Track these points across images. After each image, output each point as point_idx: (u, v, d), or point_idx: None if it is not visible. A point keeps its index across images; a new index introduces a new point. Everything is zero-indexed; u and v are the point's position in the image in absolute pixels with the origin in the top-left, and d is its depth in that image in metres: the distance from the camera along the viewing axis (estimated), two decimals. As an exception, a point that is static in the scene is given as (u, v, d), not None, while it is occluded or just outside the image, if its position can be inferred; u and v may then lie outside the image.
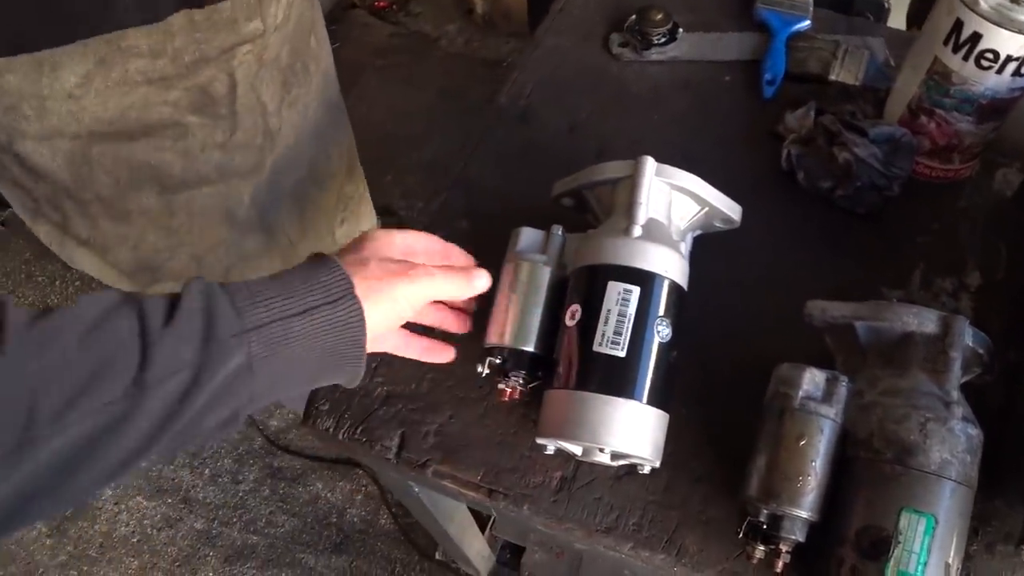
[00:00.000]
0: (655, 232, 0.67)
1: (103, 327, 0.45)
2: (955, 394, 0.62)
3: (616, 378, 0.62)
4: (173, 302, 0.48)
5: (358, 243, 0.63)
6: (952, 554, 0.59)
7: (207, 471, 1.92)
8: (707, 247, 0.77)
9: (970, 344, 0.64)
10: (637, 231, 0.66)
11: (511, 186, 0.89)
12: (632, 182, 0.68)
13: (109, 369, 0.44)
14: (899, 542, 0.57)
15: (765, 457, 0.62)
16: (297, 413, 1.94)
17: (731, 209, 0.73)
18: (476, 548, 1.41)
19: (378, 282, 0.57)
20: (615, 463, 0.66)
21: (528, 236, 0.73)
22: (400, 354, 0.69)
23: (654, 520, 0.69)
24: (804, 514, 0.60)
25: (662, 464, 0.66)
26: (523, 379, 0.68)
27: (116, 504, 1.89)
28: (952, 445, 0.59)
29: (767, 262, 0.83)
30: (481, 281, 0.66)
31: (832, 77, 0.97)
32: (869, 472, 0.60)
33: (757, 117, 0.96)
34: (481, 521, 1.56)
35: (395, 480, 0.85)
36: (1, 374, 0.41)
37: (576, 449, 0.66)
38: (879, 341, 0.66)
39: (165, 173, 0.88)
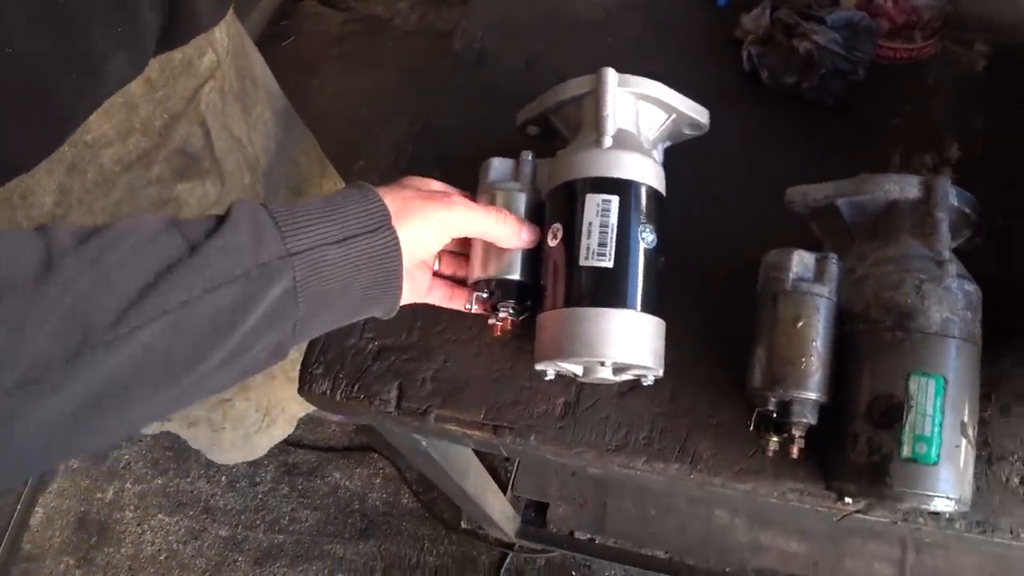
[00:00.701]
0: (627, 142, 0.66)
1: (154, 241, 0.45)
2: (947, 253, 0.61)
3: (606, 289, 0.62)
4: (220, 218, 0.48)
5: (397, 182, 0.62)
6: (967, 413, 0.58)
7: (223, 479, 1.91)
8: (682, 157, 0.75)
9: (955, 204, 0.63)
10: (608, 141, 0.65)
11: (476, 128, 0.87)
12: (596, 95, 0.67)
13: (163, 280, 0.44)
14: (911, 407, 0.56)
15: (765, 345, 0.61)
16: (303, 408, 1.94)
17: (698, 113, 0.72)
18: (499, 508, 1.41)
19: (414, 202, 0.57)
20: (617, 378, 0.65)
21: (499, 166, 0.72)
22: (423, 299, 0.68)
23: (664, 431, 0.68)
24: (812, 395, 0.59)
25: (665, 375, 0.65)
26: (513, 309, 0.67)
27: (139, 525, 1.88)
28: (951, 303, 0.58)
29: (743, 165, 0.82)
30: (526, 232, 0.66)
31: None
32: (871, 343, 0.59)
33: (713, 26, 0.94)
34: (501, 483, 1.56)
35: (401, 437, 0.84)
36: (52, 290, 0.40)
37: (577, 369, 0.65)
38: (864, 216, 0.65)
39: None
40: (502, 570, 1.68)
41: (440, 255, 0.70)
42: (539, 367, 0.66)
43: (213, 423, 1.18)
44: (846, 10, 0.83)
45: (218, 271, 0.45)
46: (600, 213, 0.62)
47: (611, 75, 0.67)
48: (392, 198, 0.55)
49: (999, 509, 0.65)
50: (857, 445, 0.58)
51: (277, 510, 1.86)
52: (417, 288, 0.65)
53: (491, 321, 0.68)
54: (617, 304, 0.61)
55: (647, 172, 0.65)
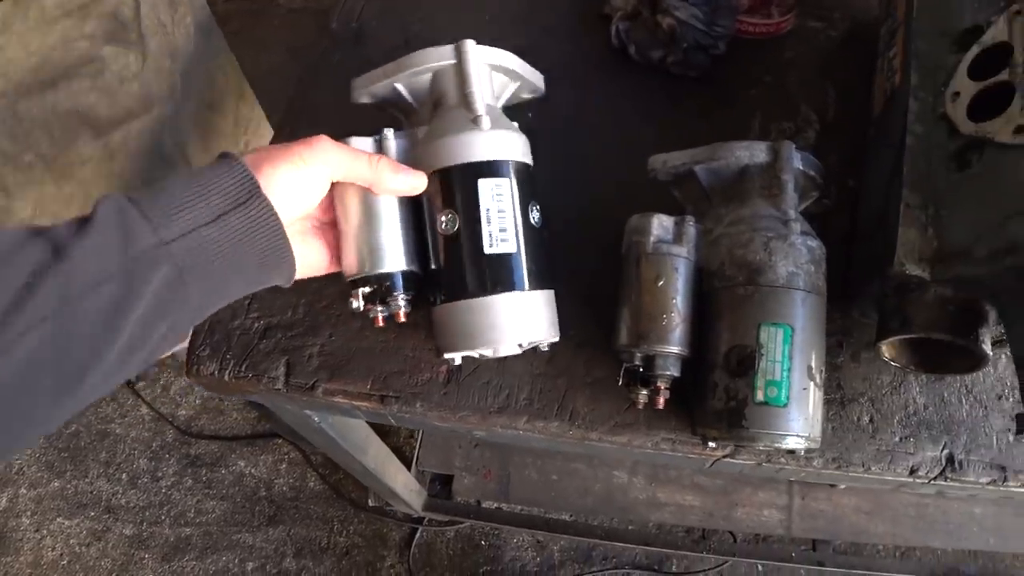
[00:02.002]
0: (498, 119, 0.65)
1: (19, 251, 0.44)
2: (792, 213, 0.65)
3: (513, 273, 0.62)
4: (84, 219, 0.47)
5: None
6: (813, 358, 0.63)
7: (124, 476, 1.86)
8: (553, 128, 0.78)
9: (800, 167, 0.68)
10: (487, 122, 0.63)
11: (354, 107, 0.88)
12: (461, 69, 0.65)
13: (35, 288, 0.43)
14: (762, 355, 0.61)
15: (629, 304, 0.65)
16: (203, 396, 1.91)
17: (537, 79, 0.73)
18: (403, 483, 1.43)
19: (275, 151, 0.55)
20: (521, 350, 0.67)
21: (357, 147, 0.64)
22: (332, 270, 0.66)
23: (543, 391, 0.71)
24: (674, 349, 0.63)
25: (542, 337, 0.68)
26: (405, 301, 0.64)
27: (37, 531, 1.82)
28: (795, 258, 0.63)
29: (612, 135, 0.85)
30: (412, 181, 0.62)
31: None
32: (726, 298, 0.64)
33: (584, 2, 0.97)
34: (405, 459, 1.58)
35: (294, 415, 0.85)
36: None
37: (487, 352, 0.65)
38: (719, 181, 0.69)
39: (93, 115, 0.87)
40: (413, 544, 1.71)
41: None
42: (448, 356, 0.65)
43: None
44: (706, -14, 0.88)
45: (92, 271, 0.45)
46: (495, 198, 0.61)
47: (472, 48, 0.65)
48: (254, 157, 0.54)
49: (852, 446, 0.71)
50: (716, 393, 0.63)
51: (182, 503, 1.83)
52: (314, 259, 0.63)
53: (373, 315, 0.64)
54: (525, 287, 0.62)
55: (524, 149, 0.65)
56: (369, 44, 0.95)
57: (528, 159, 0.65)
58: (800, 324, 0.62)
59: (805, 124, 0.89)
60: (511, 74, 0.70)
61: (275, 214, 0.53)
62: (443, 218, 0.62)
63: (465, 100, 0.64)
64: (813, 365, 0.63)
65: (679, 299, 0.64)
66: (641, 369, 0.65)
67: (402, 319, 0.64)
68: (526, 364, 0.72)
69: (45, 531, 1.82)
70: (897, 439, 0.71)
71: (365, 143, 0.65)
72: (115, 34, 0.84)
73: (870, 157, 0.80)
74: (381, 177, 0.60)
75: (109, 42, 0.83)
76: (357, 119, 0.80)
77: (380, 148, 0.65)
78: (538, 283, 0.63)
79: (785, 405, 0.61)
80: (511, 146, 0.64)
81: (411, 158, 0.65)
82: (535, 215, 0.64)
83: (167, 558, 1.77)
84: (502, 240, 0.61)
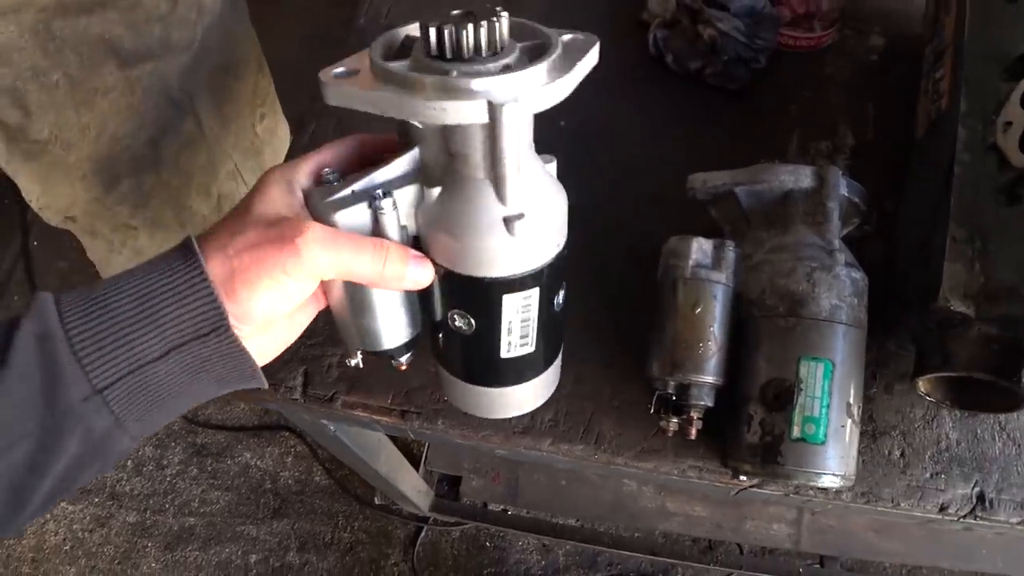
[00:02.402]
0: (533, 198, 0.47)
1: None
2: (837, 242, 0.63)
3: (530, 369, 0.56)
4: (2, 351, 0.39)
5: (242, 202, 0.47)
6: (852, 394, 0.61)
7: (129, 463, 1.85)
8: (586, 139, 0.76)
9: (845, 194, 0.66)
10: (521, 227, 0.46)
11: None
12: (494, 138, 0.42)
13: None
14: (801, 389, 0.59)
15: (665, 330, 0.63)
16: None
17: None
18: (412, 484, 1.41)
19: (251, 258, 0.43)
20: None
21: (351, 219, 0.47)
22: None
23: (569, 413, 0.69)
24: (709, 379, 0.61)
25: (571, 356, 0.66)
26: (405, 360, 0.55)
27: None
28: (839, 290, 0.61)
29: (646, 147, 0.83)
30: (415, 268, 0.47)
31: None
32: (765, 328, 0.62)
33: (621, 8, 0.95)
34: (413, 459, 1.57)
35: (309, 423, 0.83)
36: None
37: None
38: (761, 204, 0.67)
39: (120, 46, 0.88)
40: (417, 543, 1.69)
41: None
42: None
43: (112, 244, 1.18)
44: (749, -2, 0.85)
45: (3, 429, 0.38)
46: (521, 310, 0.51)
47: (510, 112, 0.40)
48: (221, 259, 0.42)
49: (881, 480, 0.69)
50: (751, 426, 0.61)
51: (187, 493, 1.81)
52: (297, 328, 0.52)
53: (395, 364, 0.56)
54: (538, 373, 0.56)
55: (561, 233, 0.50)
56: (398, 43, 0.93)
57: (563, 243, 0.50)
58: (841, 359, 0.60)
59: (843, 143, 0.86)
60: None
61: (241, 347, 0.43)
62: (455, 316, 0.51)
63: (496, 183, 0.45)
64: (852, 401, 0.61)
65: (716, 327, 0.62)
66: (674, 397, 0.63)
67: (403, 369, 0.57)
68: (553, 385, 0.70)
69: (48, 515, 1.80)
70: (928, 475, 0.69)
71: (359, 213, 0.46)
72: None
73: (912, 182, 0.78)
74: (385, 278, 0.46)
75: None
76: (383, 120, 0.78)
77: (375, 219, 0.47)
78: (549, 362, 0.57)
79: (823, 443, 0.59)
80: (548, 245, 0.49)
81: (416, 221, 0.49)
82: (559, 299, 0.53)
83: (170, 547, 1.76)
84: (521, 345, 0.53)
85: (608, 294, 0.74)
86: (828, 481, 0.59)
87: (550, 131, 0.65)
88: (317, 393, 0.71)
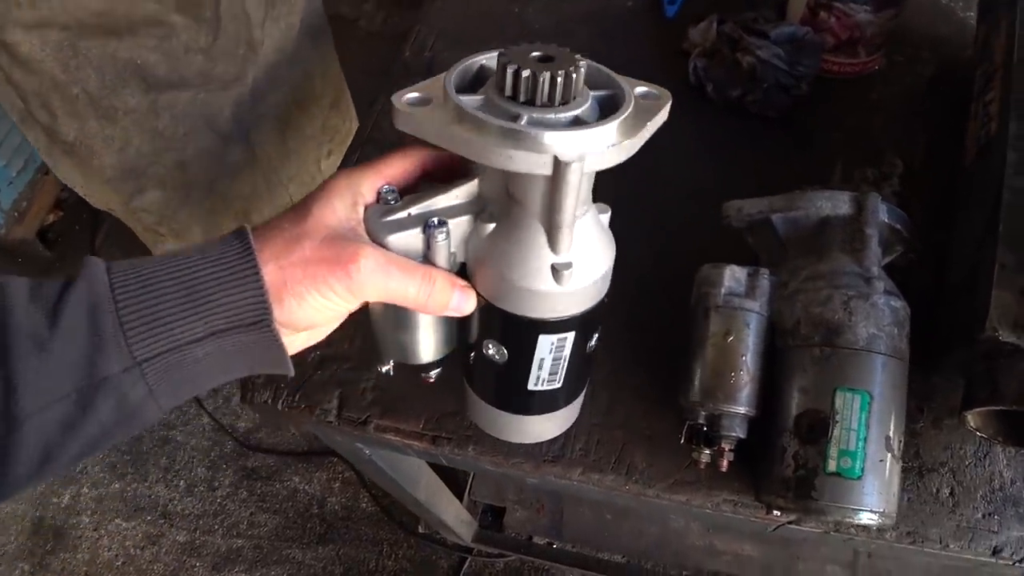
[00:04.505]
0: (583, 249, 0.47)
1: None
2: (875, 270, 0.62)
3: (553, 401, 0.55)
4: (53, 313, 0.40)
5: (304, 203, 0.48)
6: (892, 428, 0.59)
7: (182, 483, 1.89)
8: (624, 167, 0.76)
9: (886, 220, 0.64)
10: (568, 277, 0.46)
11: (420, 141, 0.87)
12: (555, 189, 0.42)
13: None
14: (837, 422, 0.57)
15: (696, 359, 0.62)
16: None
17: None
18: (454, 513, 1.41)
19: (304, 272, 0.44)
20: None
21: (405, 244, 0.48)
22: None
23: (600, 442, 0.68)
24: (741, 409, 0.60)
25: (603, 385, 0.66)
26: (435, 374, 0.57)
27: (96, 530, 1.86)
28: (878, 319, 0.59)
29: (686, 176, 0.83)
30: (460, 298, 0.49)
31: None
32: (800, 358, 0.60)
33: (662, 38, 0.95)
34: (458, 488, 1.56)
35: (346, 446, 0.84)
36: None
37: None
38: (797, 231, 0.66)
39: (149, 73, 0.90)
40: (461, 574, 1.68)
41: None
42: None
43: (147, 239, 1.22)
44: (790, 25, 0.84)
45: (44, 393, 0.40)
46: (555, 349, 0.51)
47: (575, 171, 0.41)
48: (275, 266, 0.44)
49: (928, 520, 0.66)
50: (785, 459, 0.59)
51: (236, 514, 1.84)
52: (328, 331, 0.53)
53: (424, 376, 0.58)
54: (562, 406, 0.56)
55: (603, 286, 0.50)
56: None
57: (606, 291, 0.51)
58: (879, 391, 0.58)
59: (890, 171, 0.84)
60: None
61: (279, 342, 0.44)
62: (489, 345, 0.51)
63: (549, 231, 0.46)
64: (892, 435, 0.59)
65: (749, 356, 0.60)
66: (705, 428, 0.62)
67: (431, 382, 0.58)
68: (583, 413, 0.69)
69: (103, 531, 1.85)
70: (980, 515, 0.66)
71: (413, 238, 0.47)
72: (188, 5, 0.87)
73: (960, 209, 0.75)
74: (431, 304, 0.48)
75: (179, 12, 0.87)
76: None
77: (427, 243, 0.48)
78: (574, 394, 0.57)
79: (859, 477, 0.57)
80: (592, 293, 0.49)
81: (466, 251, 0.50)
82: (593, 342, 0.53)
83: (217, 567, 1.79)
84: (549, 381, 0.53)
85: (643, 322, 0.73)
86: (866, 518, 0.57)
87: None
88: (351, 416, 0.71)
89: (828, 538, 0.67)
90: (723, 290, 0.62)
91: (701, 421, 0.61)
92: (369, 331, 0.65)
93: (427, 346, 0.53)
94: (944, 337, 0.69)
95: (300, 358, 0.74)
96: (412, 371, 0.71)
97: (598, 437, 0.69)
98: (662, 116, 0.47)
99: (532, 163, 0.41)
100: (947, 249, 0.75)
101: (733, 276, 0.62)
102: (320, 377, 0.73)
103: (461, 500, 1.51)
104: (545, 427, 0.58)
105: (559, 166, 0.40)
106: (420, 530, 1.72)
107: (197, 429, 1.95)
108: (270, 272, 0.44)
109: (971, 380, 0.62)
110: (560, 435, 0.68)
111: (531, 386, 0.52)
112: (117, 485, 1.91)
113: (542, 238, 0.46)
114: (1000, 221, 0.62)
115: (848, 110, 0.88)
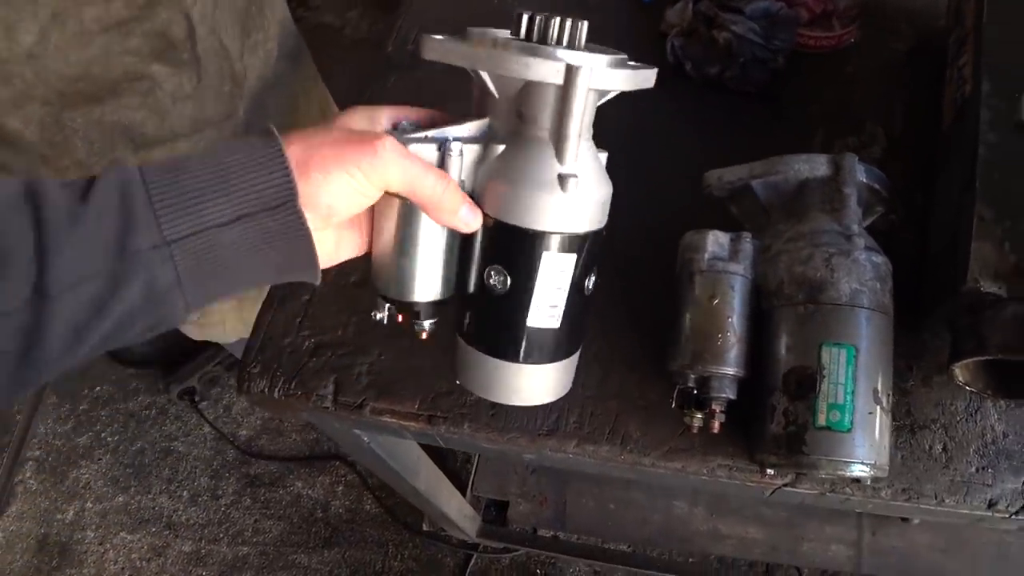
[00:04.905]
0: (587, 162, 0.52)
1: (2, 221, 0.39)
2: (855, 227, 0.63)
3: (549, 349, 0.56)
4: (84, 193, 0.41)
5: (335, 118, 0.53)
6: (879, 381, 0.60)
7: (185, 493, 1.89)
8: (610, 144, 0.77)
9: (864, 180, 0.65)
10: (575, 186, 0.50)
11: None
12: (565, 99, 0.48)
13: (2, 277, 0.39)
14: (824, 376, 0.58)
15: (683, 323, 0.63)
16: (263, 417, 1.94)
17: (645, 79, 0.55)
18: (457, 507, 1.41)
19: (330, 149, 0.46)
20: None
21: (420, 154, 0.52)
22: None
23: (594, 414, 0.69)
24: (730, 371, 0.61)
25: (595, 357, 0.67)
26: (428, 324, 0.58)
27: (101, 544, 1.85)
28: (859, 274, 0.60)
29: (669, 153, 0.84)
30: (468, 212, 0.51)
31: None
32: (785, 317, 0.61)
33: (641, 21, 0.96)
34: (460, 483, 1.57)
35: (343, 435, 0.85)
36: None
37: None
38: (778, 196, 0.67)
39: (137, 132, 0.88)
40: (467, 572, 1.68)
41: None
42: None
43: None
44: (765, 0, 0.85)
45: (75, 268, 0.40)
46: (557, 274, 0.53)
47: (585, 78, 0.47)
48: (302, 146, 0.46)
49: (923, 476, 0.67)
50: (775, 417, 0.60)
51: (240, 522, 1.84)
52: (345, 247, 0.55)
53: (417, 328, 0.58)
54: (559, 358, 0.56)
55: (605, 209, 0.54)
56: (423, 67, 0.95)
57: (605, 221, 0.54)
58: (865, 344, 0.59)
59: (871, 139, 0.85)
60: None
61: (306, 227, 0.45)
62: (491, 273, 0.53)
63: (557, 143, 0.50)
64: (879, 388, 0.59)
65: (735, 318, 0.61)
66: (695, 391, 0.62)
67: (424, 338, 0.58)
68: (577, 385, 0.70)
69: (108, 545, 1.85)
70: (973, 469, 0.67)
71: (428, 151, 0.51)
72: (163, 51, 0.84)
73: (940, 171, 0.76)
74: (443, 204, 0.50)
75: (157, 60, 0.84)
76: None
77: (442, 162, 0.52)
78: (569, 351, 0.57)
79: (849, 430, 0.57)
80: (594, 214, 0.52)
81: (475, 178, 0.53)
82: (591, 282, 0.55)
83: (224, 576, 1.79)
84: (549, 316, 0.54)
85: (632, 294, 0.74)
86: (857, 470, 0.58)
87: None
88: (347, 400, 0.72)
89: (833, 518, 0.67)
90: (706, 255, 0.63)
91: (691, 384, 0.62)
92: (363, 318, 0.66)
93: (426, 279, 0.55)
94: (930, 295, 0.70)
95: (295, 346, 0.75)
96: (408, 352, 0.72)
97: (592, 409, 0.69)
98: (652, 74, 0.54)
99: (546, 71, 0.47)
100: (929, 212, 0.76)
101: (716, 241, 0.63)
102: (315, 364, 0.74)
103: (464, 495, 1.52)
104: (538, 385, 0.57)
105: (571, 71, 0.46)
106: (425, 527, 1.72)
107: (199, 439, 1.95)
108: (297, 150, 0.45)
109: (956, 334, 0.63)
110: (554, 408, 0.69)
111: (530, 321, 0.54)
112: (121, 498, 1.91)
113: (550, 151, 0.51)
114: (977, 176, 0.63)
115: (826, 83, 0.89)
